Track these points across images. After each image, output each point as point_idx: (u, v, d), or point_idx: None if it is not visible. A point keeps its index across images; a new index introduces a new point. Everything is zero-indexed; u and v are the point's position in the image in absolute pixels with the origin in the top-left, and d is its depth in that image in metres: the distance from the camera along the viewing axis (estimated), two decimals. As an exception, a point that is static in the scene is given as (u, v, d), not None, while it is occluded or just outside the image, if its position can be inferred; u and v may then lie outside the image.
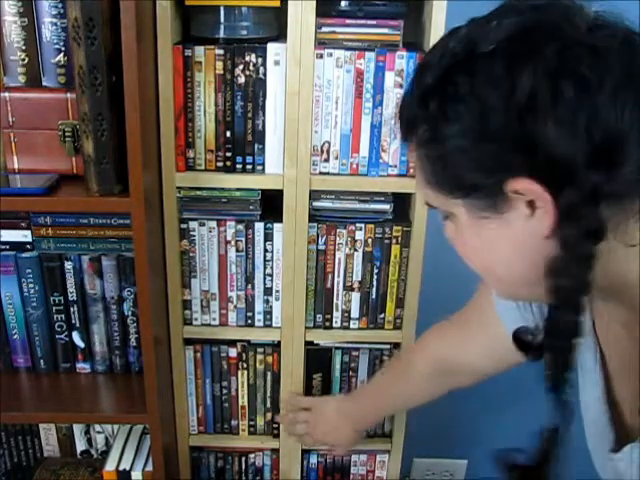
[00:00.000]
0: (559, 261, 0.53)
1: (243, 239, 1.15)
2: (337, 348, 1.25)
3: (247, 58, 1.04)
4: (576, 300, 0.54)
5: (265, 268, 1.18)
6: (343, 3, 1.06)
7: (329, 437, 1.18)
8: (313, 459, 1.35)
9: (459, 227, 0.61)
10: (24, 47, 0.97)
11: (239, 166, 1.11)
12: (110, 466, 1.20)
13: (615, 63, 0.50)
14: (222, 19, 1.05)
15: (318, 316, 1.22)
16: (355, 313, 1.21)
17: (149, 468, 1.19)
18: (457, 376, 0.99)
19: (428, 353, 1.01)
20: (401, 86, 1.06)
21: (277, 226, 1.14)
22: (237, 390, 1.27)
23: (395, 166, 1.11)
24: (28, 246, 1.11)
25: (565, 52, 0.50)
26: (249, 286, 1.19)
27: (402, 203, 1.17)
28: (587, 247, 0.52)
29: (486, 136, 0.53)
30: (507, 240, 0.57)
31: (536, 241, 0.55)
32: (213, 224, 1.15)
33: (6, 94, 0.98)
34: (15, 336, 1.16)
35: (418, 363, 1.02)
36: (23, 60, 0.98)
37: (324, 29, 1.04)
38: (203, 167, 1.11)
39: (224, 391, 1.28)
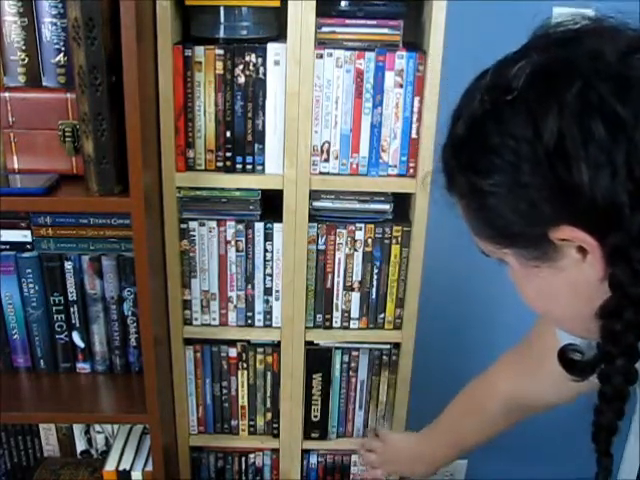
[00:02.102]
0: (611, 304, 0.52)
1: (243, 239, 1.15)
2: (337, 348, 1.25)
3: (247, 58, 1.04)
4: (629, 344, 0.52)
5: (265, 268, 1.18)
6: (343, 3, 1.06)
7: (404, 473, 1.14)
8: (313, 459, 1.35)
9: (513, 273, 0.60)
10: (24, 47, 0.97)
11: (239, 166, 1.11)
12: (110, 466, 1.20)
13: None
14: (222, 19, 1.05)
15: (318, 316, 1.22)
16: (355, 313, 1.21)
17: (149, 468, 1.18)
18: (529, 410, 0.97)
19: (498, 394, 0.98)
20: (401, 86, 1.06)
21: (277, 226, 1.14)
22: (237, 390, 1.27)
23: (395, 166, 1.11)
24: (28, 246, 1.11)
25: (588, 90, 0.48)
26: (249, 286, 1.19)
27: (402, 203, 1.17)
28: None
29: (521, 187, 0.51)
30: (562, 285, 0.56)
31: (592, 284, 0.53)
32: (213, 224, 1.15)
33: (6, 94, 0.98)
34: (15, 336, 1.16)
35: (490, 404, 0.99)
36: (23, 60, 0.98)
37: (324, 29, 1.04)
38: (203, 167, 1.11)
39: (224, 391, 1.28)
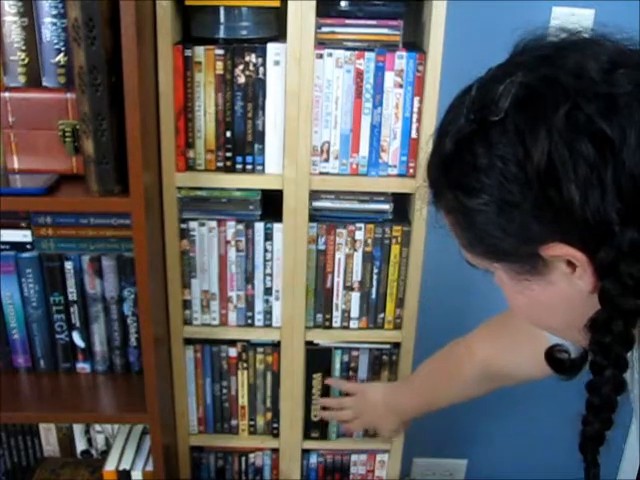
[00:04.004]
0: (600, 316, 0.52)
1: (243, 239, 1.15)
2: (337, 348, 1.25)
3: (247, 58, 1.04)
4: (618, 355, 0.53)
5: (265, 268, 1.18)
6: (343, 3, 1.06)
7: (375, 425, 1.18)
8: (313, 459, 1.35)
9: (503, 285, 0.60)
10: (24, 47, 0.97)
11: (239, 166, 1.11)
12: (110, 466, 1.20)
13: (637, 107, 0.48)
14: (222, 19, 1.05)
15: (318, 316, 1.22)
16: (355, 313, 1.21)
17: (149, 468, 1.19)
18: (503, 380, 1.00)
19: (477, 358, 1.00)
20: (401, 86, 1.07)
21: (277, 226, 1.14)
22: (237, 390, 1.27)
23: (395, 166, 1.11)
24: (28, 246, 1.11)
25: (576, 112, 0.48)
26: (249, 286, 1.19)
27: (402, 203, 1.17)
28: (629, 303, 0.50)
29: (510, 206, 0.52)
30: (552, 298, 0.57)
31: (582, 297, 0.54)
32: (213, 224, 1.15)
33: (6, 94, 0.98)
34: (15, 336, 1.16)
35: (466, 367, 1.01)
36: (23, 60, 0.98)
37: (324, 29, 1.04)
38: (203, 167, 1.11)
39: (224, 391, 1.28)
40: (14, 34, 0.96)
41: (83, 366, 1.20)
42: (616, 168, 0.48)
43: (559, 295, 0.56)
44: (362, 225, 1.15)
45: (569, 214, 0.49)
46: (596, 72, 0.49)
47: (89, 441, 1.36)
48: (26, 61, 0.98)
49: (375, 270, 1.18)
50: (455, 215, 0.58)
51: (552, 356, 0.69)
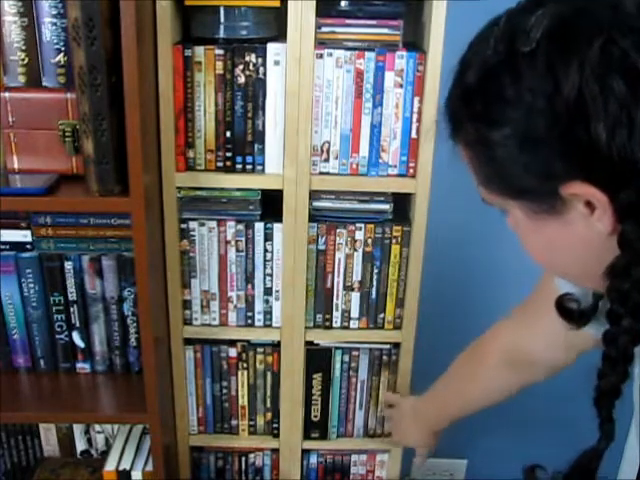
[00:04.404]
0: (620, 262, 0.51)
1: (243, 239, 1.15)
2: (337, 348, 1.25)
3: (247, 58, 1.04)
4: (637, 304, 0.52)
5: (265, 268, 1.18)
6: (343, 3, 1.06)
7: (402, 439, 1.19)
8: (313, 459, 1.35)
9: (518, 224, 0.59)
10: (24, 47, 0.97)
11: (239, 166, 1.11)
12: (110, 466, 1.20)
13: None
14: (222, 19, 1.05)
15: (318, 316, 1.22)
16: (355, 313, 1.21)
17: (149, 468, 1.19)
18: (527, 367, 0.96)
19: (498, 344, 0.99)
20: (401, 86, 1.06)
21: (277, 226, 1.14)
22: (237, 390, 1.27)
23: (395, 166, 1.11)
24: (28, 246, 1.11)
25: (610, 46, 0.47)
26: (249, 286, 1.19)
27: (402, 203, 1.17)
28: None
29: (534, 141, 0.51)
30: (569, 238, 0.55)
31: (599, 238, 0.53)
32: (213, 224, 1.15)
33: (6, 94, 0.98)
34: (15, 336, 1.16)
35: (488, 355, 1.00)
36: (23, 60, 0.98)
37: (324, 29, 1.04)
38: (203, 167, 1.11)
39: (224, 391, 1.28)
40: (14, 34, 0.96)
41: (83, 366, 1.20)
42: None
43: (576, 236, 0.55)
44: (362, 225, 1.15)
45: (594, 152, 0.48)
46: (632, 5, 0.48)
47: (89, 441, 1.36)
48: (26, 61, 0.98)
49: (375, 270, 1.18)
50: (474, 149, 0.56)
51: (562, 305, 0.68)
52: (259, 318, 1.21)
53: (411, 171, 1.11)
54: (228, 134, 1.09)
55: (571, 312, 0.67)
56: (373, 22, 1.05)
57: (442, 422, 1.11)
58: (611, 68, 0.47)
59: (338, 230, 1.15)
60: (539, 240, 0.58)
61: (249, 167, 1.11)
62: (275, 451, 1.33)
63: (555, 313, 0.84)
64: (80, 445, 1.36)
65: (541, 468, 0.64)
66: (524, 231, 0.59)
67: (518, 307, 0.97)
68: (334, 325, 1.22)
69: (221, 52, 1.04)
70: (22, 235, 1.10)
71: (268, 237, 1.15)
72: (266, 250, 1.16)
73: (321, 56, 1.05)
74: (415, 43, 1.11)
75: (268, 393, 1.28)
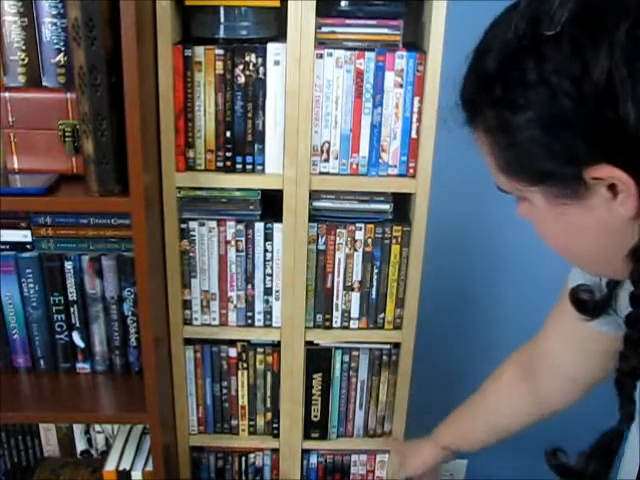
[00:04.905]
0: None
1: (243, 239, 1.15)
2: (337, 348, 1.25)
3: (247, 58, 1.04)
4: None
5: (265, 268, 1.18)
6: (343, 3, 1.06)
7: (413, 461, 1.12)
8: (313, 459, 1.35)
9: (537, 211, 0.59)
10: (24, 47, 0.97)
11: (239, 166, 1.11)
12: (110, 466, 1.20)
13: None
14: (222, 19, 1.05)
15: (318, 316, 1.22)
16: (355, 313, 1.21)
17: (149, 468, 1.19)
18: (542, 377, 0.91)
19: (511, 359, 0.97)
20: (401, 86, 1.06)
21: (277, 226, 1.14)
22: (237, 390, 1.27)
23: (395, 166, 1.11)
24: (28, 246, 1.11)
25: (636, 28, 0.47)
26: (249, 286, 1.19)
27: (402, 203, 1.17)
28: None
29: (560, 124, 0.50)
30: (589, 224, 0.55)
31: (620, 223, 0.53)
32: (213, 224, 1.15)
33: (6, 94, 0.98)
34: (15, 336, 1.16)
35: (504, 372, 0.98)
36: (23, 60, 0.98)
37: (324, 29, 1.04)
38: (203, 167, 1.11)
39: (224, 391, 1.28)
40: (14, 34, 0.96)
41: (83, 366, 1.20)
42: None
43: (597, 221, 0.54)
44: (362, 225, 1.15)
45: (622, 133, 0.48)
46: None
47: (89, 441, 1.36)
48: (26, 61, 0.98)
49: (375, 270, 1.18)
50: (495, 135, 0.56)
51: (576, 296, 0.68)
52: (259, 318, 1.21)
53: (411, 171, 1.11)
54: (228, 134, 1.09)
55: (585, 303, 0.67)
56: (373, 22, 1.04)
57: (456, 446, 1.07)
58: (638, 50, 0.47)
59: (338, 230, 1.15)
60: (558, 226, 0.58)
61: (249, 167, 1.11)
62: (275, 451, 1.33)
63: (566, 319, 0.81)
64: (80, 445, 1.36)
65: (561, 451, 0.64)
66: (543, 217, 0.59)
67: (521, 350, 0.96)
68: (334, 325, 1.22)
69: (221, 52, 1.04)
70: (22, 235, 1.10)
71: (268, 237, 1.15)
72: (266, 250, 1.16)
73: (321, 56, 1.05)
74: (415, 43, 1.11)
75: (268, 393, 1.28)
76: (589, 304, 0.67)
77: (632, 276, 0.53)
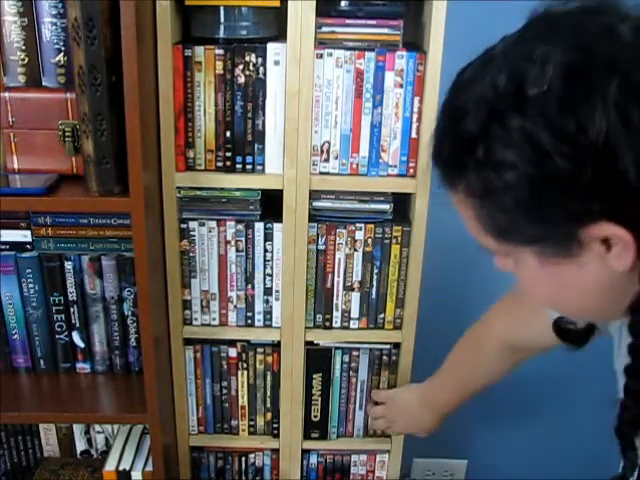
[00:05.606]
0: None
1: (243, 239, 1.15)
2: (337, 348, 1.24)
3: (247, 58, 1.04)
4: None
5: (265, 268, 1.18)
6: (343, 3, 1.06)
7: (412, 428, 1.20)
8: (313, 459, 1.35)
9: (525, 269, 0.57)
10: (24, 47, 0.97)
11: (239, 166, 1.11)
12: (110, 466, 1.20)
13: None
14: (222, 19, 1.05)
15: (318, 316, 1.22)
16: (355, 313, 1.21)
17: (149, 468, 1.19)
18: (524, 351, 1.01)
19: (496, 335, 1.01)
20: (401, 86, 1.06)
21: (277, 226, 1.14)
22: (237, 390, 1.27)
23: (395, 166, 1.11)
24: (28, 246, 1.11)
25: (626, 82, 0.46)
26: (249, 286, 1.19)
27: (402, 203, 1.17)
28: None
29: (552, 185, 0.48)
30: (582, 281, 0.54)
31: (615, 276, 0.52)
32: (213, 224, 1.15)
33: (6, 94, 0.98)
34: (15, 336, 1.16)
35: (487, 345, 1.03)
36: (23, 60, 0.98)
37: (324, 29, 1.04)
38: (203, 167, 1.11)
39: (224, 391, 1.28)
40: (14, 34, 0.96)
41: (83, 366, 1.20)
42: None
43: (589, 276, 0.53)
44: (362, 225, 1.15)
45: (621, 190, 0.47)
46: (627, 32, 0.48)
47: (89, 441, 1.36)
48: (26, 61, 0.98)
49: (375, 270, 1.18)
50: (481, 199, 0.53)
51: (560, 327, 0.68)
52: (259, 318, 1.21)
53: (411, 171, 1.11)
54: (228, 134, 1.09)
55: (569, 332, 0.67)
56: (373, 22, 1.04)
57: (451, 407, 1.14)
58: (631, 104, 0.46)
59: (338, 230, 1.15)
60: (550, 284, 0.57)
61: (249, 167, 1.11)
62: (275, 451, 1.33)
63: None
64: (80, 445, 1.36)
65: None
66: (532, 275, 0.57)
67: (510, 296, 0.99)
68: (334, 325, 1.22)
69: (221, 52, 1.04)
70: (22, 235, 1.10)
71: (268, 237, 1.15)
72: (266, 250, 1.16)
73: (321, 56, 1.05)
74: (415, 43, 1.11)
75: (268, 393, 1.28)
76: (573, 333, 0.67)
77: (631, 329, 0.53)
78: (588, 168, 0.47)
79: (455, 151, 0.54)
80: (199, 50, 1.04)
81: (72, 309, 1.14)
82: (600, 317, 0.61)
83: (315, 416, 1.30)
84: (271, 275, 1.18)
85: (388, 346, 1.24)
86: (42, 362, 1.18)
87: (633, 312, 0.52)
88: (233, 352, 1.24)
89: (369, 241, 1.16)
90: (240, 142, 1.09)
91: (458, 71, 0.55)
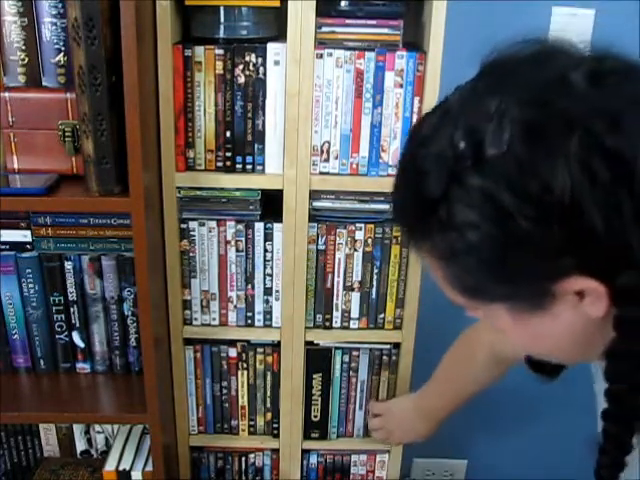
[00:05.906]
0: (618, 344, 0.50)
1: (243, 239, 1.15)
2: (337, 348, 1.25)
3: (247, 58, 1.04)
4: (637, 384, 0.50)
5: (265, 268, 1.18)
6: (343, 3, 1.06)
7: (409, 436, 1.21)
8: (313, 459, 1.35)
9: (499, 322, 0.56)
10: (24, 47, 0.97)
11: (239, 166, 1.11)
12: (110, 466, 1.20)
13: (634, 112, 0.46)
14: (222, 19, 1.05)
15: (318, 316, 1.22)
16: (355, 313, 1.21)
17: (149, 468, 1.19)
18: (507, 361, 1.01)
19: (484, 342, 1.02)
20: (401, 86, 1.06)
21: (277, 226, 1.14)
22: (237, 390, 1.27)
23: (395, 166, 1.11)
24: (28, 246, 1.11)
25: (586, 136, 0.46)
26: (249, 286, 1.19)
27: (402, 203, 1.17)
28: None
29: (515, 245, 0.48)
30: (556, 329, 0.54)
31: (589, 323, 0.51)
32: (213, 224, 1.15)
33: (6, 94, 0.98)
34: (15, 336, 1.16)
35: (478, 351, 1.04)
36: (23, 60, 0.98)
37: (324, 29, 1.04)
38: (203, 167, 1.11)
39: (224, 391, 1.28)
40: (14, 34, 0.96)
41: (83, 366, 1.20)
42: (632, 188, 0.45)
43: (563, 325, 0.53)
44: (362, 225, 1.15)
45: (589, 244, 0.47)
46: (581, 80, 0.47)
47: (89, 441, 1.36)
48: (26, 61, 0.98)
49: (375, 270, 1.18)
50: (447, 260, 0.53)
51: (532, 360, 0.68)
52: (259, 318, 1.21)
53: (411, 171, 1.11)
54: (228, 134, 1.09)
55: (542, 366, 0.67)
56: (373, 22, 1.04)
57: (446, 413, 1.15)
58: (594, 157, 0.45)
59: (338, 230, 1.15)
60: (524, 335, 0.57)
61: (249, 167, 1.11)
62: (275, 451, 1.33)
63: None
64: (80, 445, 1.36)
65: None
66: (505, 325, 0.57)
67: None
68: (334, 325, 1.22)
69: (221, 52, 1.04)
70: (22, 235, 1.10)
71: (268, 237, 1.15)
72: (266, 250, 1.16)
73: (321, 56, 1.05)
74: (415, 43, 1.11)
75: (268, 393, 1.28)
76: (546, 367, 0.66)
77: (607, 375, 0.52)
78: (554, 227, 0.46)
79: (418, 212, 0.52)
80: (199, 50, 1.04)
81: (72, 309, 1.14)
82: (576, 361, 0.61)
83: (315, 416, 1.30)
84: (271, 275, 1.18)
85: (388, 346, 1.24)
86: (42, 362, 1.18)
87: (608, 358, 0.52)
88: (233, 352, 1.24)
89: (369, 241, 1.16)
90: (240, 142, 1.09)
91: (413, 125, 0.54)
